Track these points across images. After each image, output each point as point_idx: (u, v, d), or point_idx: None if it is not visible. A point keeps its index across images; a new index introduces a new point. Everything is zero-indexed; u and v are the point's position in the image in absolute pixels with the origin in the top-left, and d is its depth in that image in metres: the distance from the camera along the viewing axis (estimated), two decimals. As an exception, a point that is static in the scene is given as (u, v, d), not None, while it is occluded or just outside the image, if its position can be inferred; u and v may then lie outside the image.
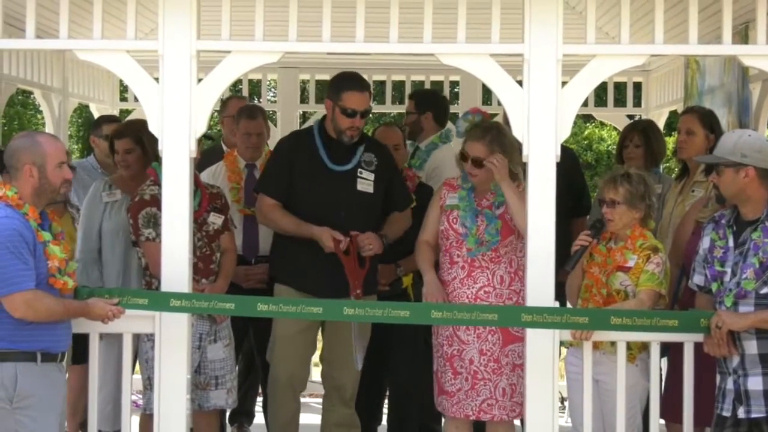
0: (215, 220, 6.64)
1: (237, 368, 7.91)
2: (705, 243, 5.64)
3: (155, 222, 6.37)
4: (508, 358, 6.30)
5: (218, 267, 6.64)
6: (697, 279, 5.70)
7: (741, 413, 5.39)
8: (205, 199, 6.59)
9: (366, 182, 6.76)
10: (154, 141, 6.49)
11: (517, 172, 6.34)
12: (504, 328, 6.23)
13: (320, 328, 7.05)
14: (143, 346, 6.45)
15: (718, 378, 5.57)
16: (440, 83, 11.20)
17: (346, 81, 6.75)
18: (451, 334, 6.38)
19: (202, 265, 6.46)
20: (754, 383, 5.37)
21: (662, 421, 6.18)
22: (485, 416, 6.36)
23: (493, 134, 6.36)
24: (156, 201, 6.36)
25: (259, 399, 8.27)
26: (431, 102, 8.27)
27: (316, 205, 6.64)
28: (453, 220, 6.43)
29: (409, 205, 7.07)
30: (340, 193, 6.67)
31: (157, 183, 6.46)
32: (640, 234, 6.10)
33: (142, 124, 6.99)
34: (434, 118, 8.10)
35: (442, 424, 7.28)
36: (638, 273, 6.02)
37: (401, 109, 14.72)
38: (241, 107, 8.25)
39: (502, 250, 6.37)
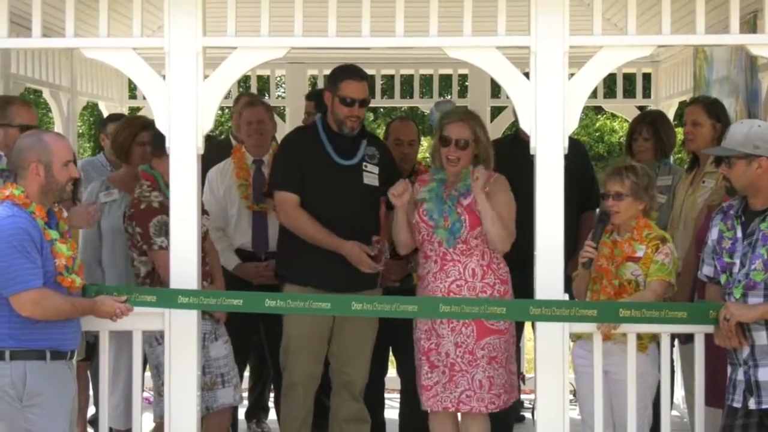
0: (204, 222, 6.55)
1: (248, 365, 7.95)
2: (713, 234, 5.62)
3: (167, 230, 6.22)
4: (483, 351, 6.30)
5: (210, 268, 6.61)
6: (707, 270, 5.68)
7: (752, 404, 5.36)
8: None
9: (371, 175, 6.75)
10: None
11: (491, 158, 6.46)
12: (479, 321, 6.24)
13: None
14: (153, 351, 6.39)
15: (729, 369, 5.55)
16: (449, 77, 11.20)
17: (344, 71, 6.75)
18: (429, 328, 6.43)
19: None
20: (765, 374, 5.35)
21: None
22: (464, 407, 6.37)
23: (472, 115, 6.48)
24: (165, 208, 6.26)
25: (271, 394, 8.29)
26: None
27: (326, 200, 6.60)
28: (423, 212, 6.47)
29: None
30: (349, 187, 6.65)
31: (156, 188, 6.43)
32: (645, 224, 6.13)
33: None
34: None
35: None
36: (648, 263, 6.04)
37: (411, 103, 14.71)
38: (243, 98, 8.26)
39: (473, 242, 6.38)
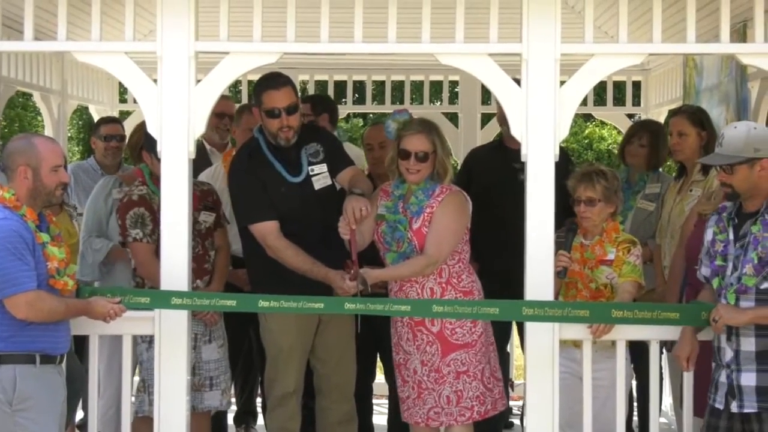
0: (206, 218, 6.58)
1: (237, 368, 7.93)
2: (708, 236, 5.60)
3: (143, 222, 6.39)
4: (450, 368, 6.19)
5: (212, 267, 6.62)
6: (704, 271, 5.64)
7: (734, 407, 5.36)
8: (195, 198, 6.47)
9: (321, 176, 6.55)
10: None
11: (448, 172, 6.28)
12: (443, 338, 6.18)
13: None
14: (138, 347, 6.41)
15: (713, 367, 5.55)
16: (440, 83, 11.21)
17: (263, 82, 6.51)
18: (396, 343, 6.36)
19: (195, 266, 6.32)
20: (747, 379, 5.35)
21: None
22: (434, 423, 6.30)
23: (432, 127, 6.29)
24: (144, 201, 6.41)
25: (259, 399, 8.27)
26: (326, 105, 8.29)
27: (291, 220, 6.44)
28: (380, 233, 6.32)
29: (351, 161, 6.81)
30: (308, 202, 6.49)
31: (145, 183, 6.52)
32: (614, 228, 6.23)
33: None
34: (329, 119, 8.11)
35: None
36: (620, 265, 6.12)
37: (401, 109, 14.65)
38: (243, 104, 8.25)
39: None
